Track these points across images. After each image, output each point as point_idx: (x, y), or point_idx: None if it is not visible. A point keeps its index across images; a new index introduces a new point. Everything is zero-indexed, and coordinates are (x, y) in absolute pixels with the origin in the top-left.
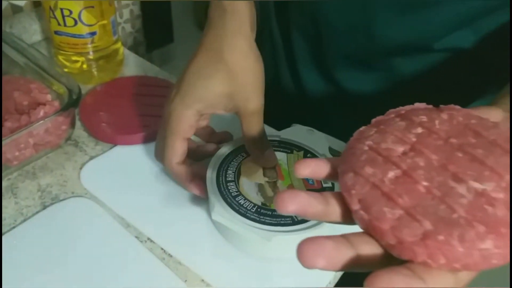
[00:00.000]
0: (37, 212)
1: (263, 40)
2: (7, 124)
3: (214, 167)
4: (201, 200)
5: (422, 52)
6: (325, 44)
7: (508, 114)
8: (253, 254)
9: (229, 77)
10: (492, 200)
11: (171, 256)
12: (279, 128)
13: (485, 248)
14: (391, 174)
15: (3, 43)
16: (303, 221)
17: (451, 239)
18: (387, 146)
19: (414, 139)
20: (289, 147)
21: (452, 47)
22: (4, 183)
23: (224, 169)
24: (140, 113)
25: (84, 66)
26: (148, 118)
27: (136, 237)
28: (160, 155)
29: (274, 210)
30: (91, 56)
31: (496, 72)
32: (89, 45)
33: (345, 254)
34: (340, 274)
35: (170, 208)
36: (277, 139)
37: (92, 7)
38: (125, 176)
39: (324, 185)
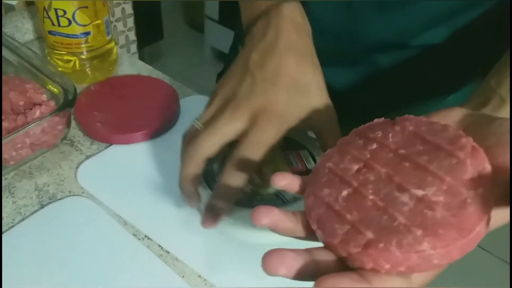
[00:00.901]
0: (35, 211)
1: None
2: (3, 124)
3: None
4: None
5: (400, 48)
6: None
7: (471, 112)
8: (250, 240)
9: (323, 91)
10: (432, 204)
11: (168, 252)
12: None
13: (422, 250)
14: (344, 192)
15: None
16: (293, 202)
17: (390, 246)
18: (344, 166)
19: (368, 156)
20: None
21: (428, 43)
22: None
23: (210, 164)
24: (134, 112)
25: (77, 65)
26: (142, 117)
27: (133, 234)
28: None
29: (264, 196)
30: (84, 56)
31: (470, 66)
32: (83, 45)
33: (304, 265)
34: None
35: (167, 205)
36: None
37: (86, 7)
38: (121, 174)
39: (307, 164)
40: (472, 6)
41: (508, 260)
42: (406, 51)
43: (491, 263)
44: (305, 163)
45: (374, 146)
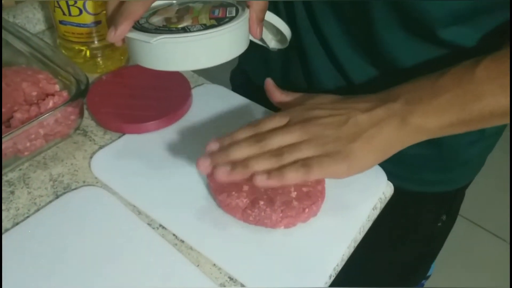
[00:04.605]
0: (50, 202)
1: None
2: (16, 115)
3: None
4: None
5: (422, 41)
6: (331, 31)
7: None
8: (147, 62)
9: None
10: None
11: (183, 241)
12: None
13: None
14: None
15: (7, 33)
16: (197, 31)
17: None
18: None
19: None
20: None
21: (452, 42)
22: (16, 174)
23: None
24: (146, 101)
25: (88, 55)
26: (154, 106)
27: (148, 224)
28: None
29: (172, 28)
30: (96, 45)
31: None
32: (94, 34)
33: None
34: (334, 274)
35: (181, 194)
36: None
37: None
38: (134, 164)
39: (228, 15)
40: (498, 8)
41: (508, 239)
42: (429, 48)
43: (491, 242)
44: (227, 13)
45: None
